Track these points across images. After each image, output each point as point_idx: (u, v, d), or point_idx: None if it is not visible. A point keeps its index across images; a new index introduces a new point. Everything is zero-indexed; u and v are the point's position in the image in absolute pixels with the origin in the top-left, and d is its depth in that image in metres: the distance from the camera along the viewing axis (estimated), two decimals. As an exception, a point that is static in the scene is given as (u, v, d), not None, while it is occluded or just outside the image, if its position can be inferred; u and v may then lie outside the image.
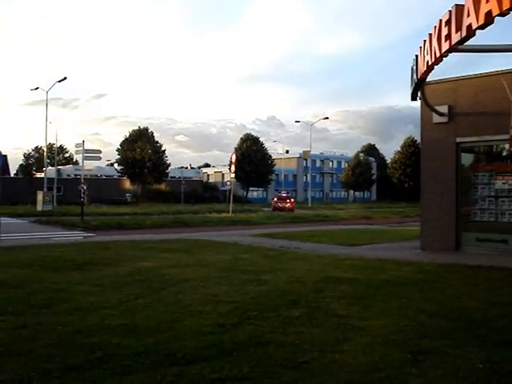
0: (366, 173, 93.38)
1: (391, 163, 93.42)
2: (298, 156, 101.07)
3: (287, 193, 66.61)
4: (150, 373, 5.09)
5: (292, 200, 57.01)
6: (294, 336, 6.42)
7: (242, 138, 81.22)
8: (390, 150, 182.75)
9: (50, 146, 78.03)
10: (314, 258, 14.56)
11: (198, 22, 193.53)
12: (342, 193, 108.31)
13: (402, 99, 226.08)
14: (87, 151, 33.42)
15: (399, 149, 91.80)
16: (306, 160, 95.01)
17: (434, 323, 7.18)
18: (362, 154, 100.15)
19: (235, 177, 47.45)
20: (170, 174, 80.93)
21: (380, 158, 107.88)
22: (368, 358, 5.64)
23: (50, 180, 53.40)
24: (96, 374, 5.07)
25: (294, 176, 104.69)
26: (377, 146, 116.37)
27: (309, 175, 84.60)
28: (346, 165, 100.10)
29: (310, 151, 79.10)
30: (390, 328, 6.84)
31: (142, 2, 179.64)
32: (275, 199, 56.63)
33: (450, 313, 7.85)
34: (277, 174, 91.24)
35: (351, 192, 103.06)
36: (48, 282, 10.13)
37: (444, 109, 16.46)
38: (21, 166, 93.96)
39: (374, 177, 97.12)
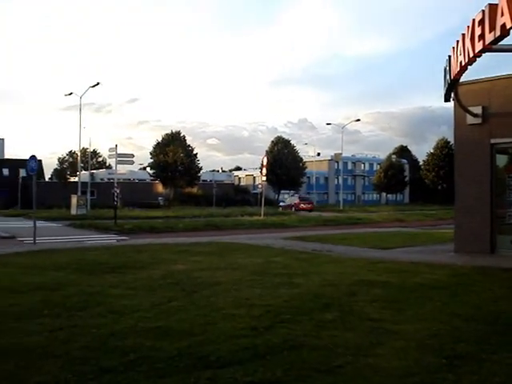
0: (399, 175, 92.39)
1: (424, 165, 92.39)
2: (329, 158, 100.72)
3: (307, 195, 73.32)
4: (183, 376, 5.12)
5: (312, 202, 64.44)
6: (328, 340, 6.39)
7: (273, 141, 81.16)
8: (422, 151, 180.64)
9: (84, 151, 79.00)
10: (347, 261, 14.48)
11: (230, 26, 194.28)
12: (374, 195, 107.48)
13: (435, 100, 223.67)
14: (120, 155, 33.79)
15: (432, 150, 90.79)
16: (337, 162, 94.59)
17: (469, 327, 7.08)
18: (394, 156, 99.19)
19: (266, 180, 47.41)
20: (202, 178, 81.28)
21: (413, 160, 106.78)
22: (402, 362, 5.58)
23: (84, 184, 54.08)
24: (130, 376, 5.12)
25: (326, 179, 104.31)
26: (409, 147, 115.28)
27: (340, 178, 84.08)
28: (378, 167, 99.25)
29: (341, 153, 78.67)
30: (424, 332, 6.77)
31: (175, 7, 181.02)
32: (297, 201, 61.48)
33: (486, 317, 7.73)
34: (308, 177, 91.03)
35: (383, 194, 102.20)
36: (83, 285, 10.26)
37: (478, 110, 16.22)
38: (55, 170, 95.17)
39: (407, 179, 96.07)
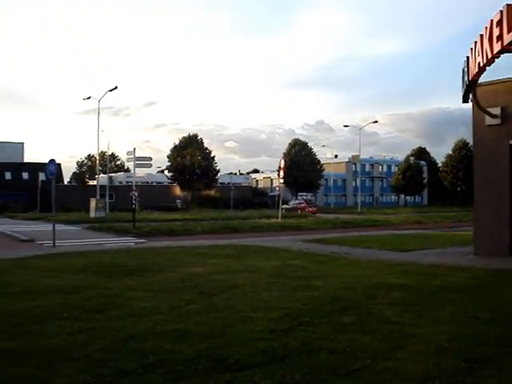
0: (417, 177, 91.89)
1: (442, 167, 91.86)
2: (347, 161, 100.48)
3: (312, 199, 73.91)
4: (202, 378, 5.13)
5: (317, 206, 66.42)
6: (346, 343, 6.37)
7: (290, 144, 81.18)
8: (441, 153, 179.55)
9: (102, 154, 79.53)
10: (365, 263, 14.42)
11: (246, 28, 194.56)
12: (393, 197, 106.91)
13: (453, 101, 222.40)
14: (138, 159, 33.94)
15: (451, 152, 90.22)
16: (355, 164, 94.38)
17: (488, 330, 7.02)
18: (412, 158, 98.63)
19: (284, 182, 47.44)
20: (220, 180, 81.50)
21: (431, 162, 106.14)
22: (421, 366, 5.55)
23: (103, 187, 54.47)
24: (149, 379, 5.15)
25: (344, 181, 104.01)
26: (427, 149, 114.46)
27: (358, 180, 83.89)
28: (396, 169, 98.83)
29: (359, 155, 78.47)
30: (443, 335, 6.72)
31: (191, 10, 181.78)
32: (303, 204, 63.44)
33: (506, 320, 7.66)
34: (326, 179, 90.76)
35: (402, 196, 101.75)
36: (101, 287, 10.32)
37: (497, 110, 16.09)
38: (74, 173, 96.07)
39: (425, 181, 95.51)
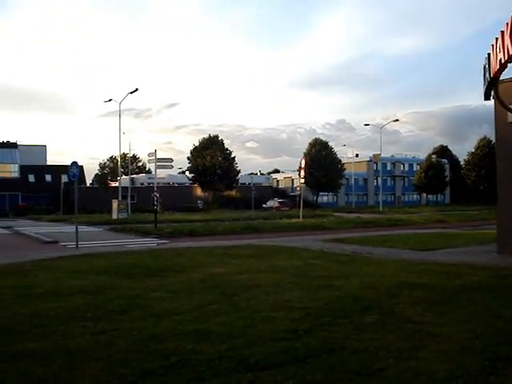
0: (439, 175, 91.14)
1: (465, 165, 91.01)
2: (368, 159, 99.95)
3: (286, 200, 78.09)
4: (224, 379, 5.14)
5: (290, 205, 70.22)
6: (368, 343, 6.34)
7: (310, 143, 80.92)
8: (463, 151, 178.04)
9: (124, 156, 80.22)
10: (387, 263, 14.34)
11: (266, 28, 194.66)
12: (415, 196, 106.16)
13: (475, 98, 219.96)
14: (159, 160, 34.15)
15: (473, 150, 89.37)
16: (376, 163, 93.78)
17: (513, 330, 6.94)
18: (434, 156, 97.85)
19: (305, 182, 47.28)
20: (241, 181, 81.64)
21: (453, 160, 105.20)
22: (444, 365, 5.50)
23: (125, 189, 54.82)
24: (171, 379, 5.17)
25: (365, 180, 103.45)
26: (449, 147, 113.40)
27: (379, 179, 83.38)
28: (418, 167, 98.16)
29: (380, 154, 78.04)
30: (466, 335, 6.66)
31: (210, 13, 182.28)
32: (278, 205, 69.80)
33: (531, 319, 7.57)
34: (347, 178, 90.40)
35: (424, 195, 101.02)
36: (124, 288, 10.39)
37: (520, 107, 15.89)
38: (96, 175, 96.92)
39: (448, 179, 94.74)
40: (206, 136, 77.81)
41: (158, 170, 35.17)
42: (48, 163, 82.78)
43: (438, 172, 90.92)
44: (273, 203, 70.83)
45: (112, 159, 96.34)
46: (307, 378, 5.14)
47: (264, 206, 69.82)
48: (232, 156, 77.38)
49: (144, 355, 5.93)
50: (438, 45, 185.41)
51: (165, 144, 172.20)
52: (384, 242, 21.19)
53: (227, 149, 77.75)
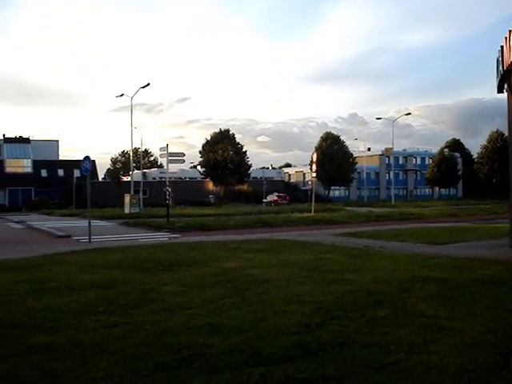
0: (452, 169, 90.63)
1: (478, 158, 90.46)
2: (380, 153, 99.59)
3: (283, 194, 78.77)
4: (235, 372, 5.15)
5: (287, 197, 74.22)
6: (380, 336, 6.33)
7: (322, 137, 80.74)
8: (476, 144, 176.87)
9: (136, 150, 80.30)
10: (400, 257, 14.30)
11: (277, 21, 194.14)
12: (427, 190, 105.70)
13: (488, 91, 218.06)
14: (171, 154, 34.24)
15: (486, 143, 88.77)
16: (388, 157, 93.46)
17: (526, 324, 6.91)
18: (446, 150, 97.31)
19: (316, 176, 47.22)
20: (252, 175, 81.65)
21: (466, 154, 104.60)
22: (456, 359, 5.49)
23: (137, 183, 55.02)
24: (183, 372, 5.19)
25: (377, 174, 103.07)
26: (462, 140, 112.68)
27: (392, 173, 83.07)
28: (431, 161, 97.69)
29: (392, 148, 77.76)
30: (478, 329, 6.63)
31: (221, 6, 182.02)
32: (276, 198, 71.83)
33: (544, 313, 7.52)
34: (359, 172, 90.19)
35: (436, 189, 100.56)
36: (136, 282, 10.44)
37: (533, 100, 15.75)
38: (108, 170, 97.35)
39: (460, 173, 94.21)
40: (218, 130, 77.98)
41: (169, 165, 35.24)
42: (60, 158, 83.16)
43: (451, 166, 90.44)
44: (271, 197, 71.73)
45: (124, 154, 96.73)
46: (319, 371, 5.14)
47: (264, 200, 70.39)
48: (243, 150, 77.41)
49: (156, 349, 5.96)
50: (450, 37, 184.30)
51: (176, 138, 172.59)
52: (396, 235, 21.13)
53: (238, 143, 77.80)
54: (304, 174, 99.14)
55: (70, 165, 71.90)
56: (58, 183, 73.09)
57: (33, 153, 76.26)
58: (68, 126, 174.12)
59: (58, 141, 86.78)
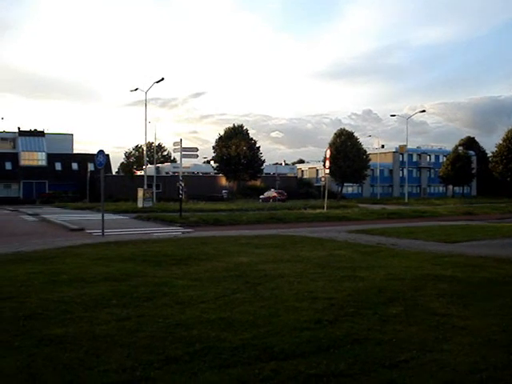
0: (466, 167, 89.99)
1: (492, 157, 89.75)
2: (394, 150, 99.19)
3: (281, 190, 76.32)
4: (247, 367, 5.17)
5: (285, 194, 72.01)
6: (392, 334, 6.32)
7: (335, 134, 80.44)
8: (491, 142, 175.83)
9: (150, 145, 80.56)
10: (412, 254, 14.25)
11: (290, 18, 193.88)
12: (440, 188, 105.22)
13: (504, 89, 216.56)
14: (185, 149, 34.26)
15: (501, 141, 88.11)
16: (402, 154, 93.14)
17: (540, 324, 6.86)
18: (461, 148, 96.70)
19: (329, 172, 47.12)
20: (265, 171, 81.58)
21: (480, 152, 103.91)
22: (469, 358, 5.47)
23: (150, 177, 55.23)
24: (195, 366, 5.21)
25: (390, 171, 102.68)
26: (477, 138, 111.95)
27: (405, 170, 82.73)
28: (445, 159, 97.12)
29: (406, 145, 77.44)
30: (491, 328, 6.61)
31: (239, 1, 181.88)
32: (274, 194, 68.40)
33: (558, 313, 7.47)
34: (372, 169, 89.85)
35: (450, 187, 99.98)
36: (149, 276, 10.48)
37: (550, 99, 15.61)
38: (122, 164, 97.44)
39: (474, 171, 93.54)
40: (231, 126, 77.96)
41: (183, 160, 35.28)
42: (74, 152, 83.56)
43: (465, 164, 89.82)
44: (269, 193, 71.28)
45: (138, 148, 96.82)
46: (331, 367, 5.15)
47: (261, 196, 70.43)
48: (257, 146, 77.35)
49: (169, 342, 5.99)
50: (466, 35, 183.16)
51: (190, 133, 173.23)
52: (409, 233, 21.03)
53: (252, 138, 77.76)
54: (317, 170, 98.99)
55: (85, 158, 72.21)
56: (71, 177, 73.59)
57: (47, 146, 76.72)
58: (82, 120, 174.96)
59: (72, 134, 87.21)
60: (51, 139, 78.29)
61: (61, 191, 68.53)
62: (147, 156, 56.92)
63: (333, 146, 72.91)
